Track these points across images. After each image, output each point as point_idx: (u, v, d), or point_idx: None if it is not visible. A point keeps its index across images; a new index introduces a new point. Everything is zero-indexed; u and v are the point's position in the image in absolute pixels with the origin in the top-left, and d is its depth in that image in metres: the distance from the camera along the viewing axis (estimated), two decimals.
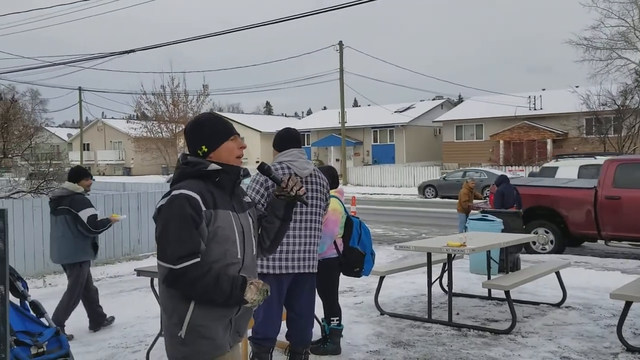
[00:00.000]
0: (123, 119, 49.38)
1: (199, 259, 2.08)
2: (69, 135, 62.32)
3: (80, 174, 5.65)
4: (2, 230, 1.31)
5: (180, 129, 36.76)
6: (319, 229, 3.89)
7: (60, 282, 8.03)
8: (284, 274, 3.73)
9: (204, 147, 2.25)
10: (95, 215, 5.44)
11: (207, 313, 2.14)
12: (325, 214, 4.06)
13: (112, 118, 58.31)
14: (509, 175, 24.31)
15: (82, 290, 5.46)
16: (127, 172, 51.48)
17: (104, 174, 50.97)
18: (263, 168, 2.52)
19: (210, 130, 2.27)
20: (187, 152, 2.31)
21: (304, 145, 44.24)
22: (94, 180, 5.74)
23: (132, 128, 39.42)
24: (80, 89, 47.18)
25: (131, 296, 7.08)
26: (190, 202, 2.09)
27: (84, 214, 5.36)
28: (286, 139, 3.86)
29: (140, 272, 4.72)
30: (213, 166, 2.21)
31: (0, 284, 1.32)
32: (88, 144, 55.38)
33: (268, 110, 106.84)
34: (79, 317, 5.98)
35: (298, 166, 3.76)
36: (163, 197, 2.18)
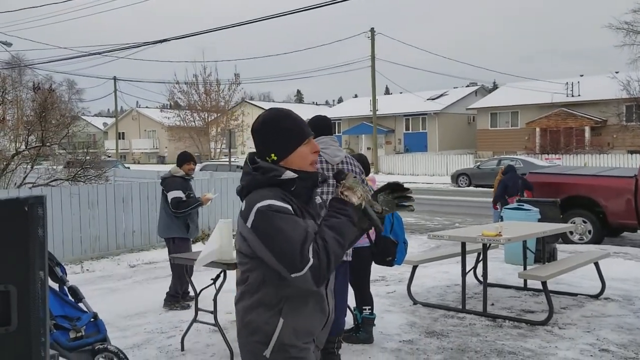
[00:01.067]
0: (157, 108, 50.19)
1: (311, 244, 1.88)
2: (105, 124, 63.59)
3: (183, 159, 6.06)
4: (42, 216, 1.32)
5: (212, 117, 37.19)
6: None
7: (98, 268, 8.23)
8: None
9: (273, 155, 2.03)
10: (178, 198, 5.77)
11: (297, 331, 1.97)
12: None
13: (147, 107, 59.28)
14: (545, 163, 23.91)
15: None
16: (161, 160, 52.28)
17: (138, 162, 51.87)
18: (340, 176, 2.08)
19: (281, 136, 2.03)
20: (255, 153, 2.09)
21: (335, 133, 44.23)
22: (194, 165, 6.21)
23: (165, 117, 40.04)
24: (115, 78, 48.00)
25: (166, 282, 7.16)
26: (281, 210, 1.93)
27: (170, 195, 5.81)
28: (317, 127, 3.87)
29: (175, 259, 4.78)
30: (288, 174, 1.98)
31: (40, 270, 1.33)
32: (123, 133, 56.41)
33: (299, 98, 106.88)
34: (115, 303, 6.11)
35: (329, 154, 3.75)
36: (247, 213, 1.95)
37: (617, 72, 29.71)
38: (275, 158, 2.02)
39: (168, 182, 5.91)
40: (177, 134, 40.02)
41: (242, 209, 1.99)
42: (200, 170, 19.63)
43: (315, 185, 2.06)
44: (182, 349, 4.60)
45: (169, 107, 44.59)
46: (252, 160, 2.05)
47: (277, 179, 1.97)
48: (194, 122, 38.20)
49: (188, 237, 5.95)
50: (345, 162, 3.85)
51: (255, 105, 51.32)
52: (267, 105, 54.33)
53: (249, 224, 1.93)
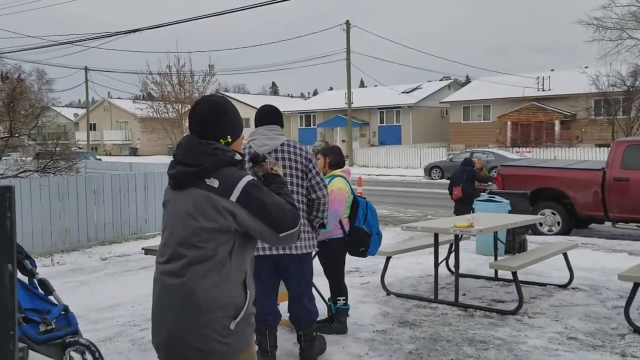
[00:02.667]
0: (129, 99, 49.30)
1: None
2: (76, 115, 62.38)
3: None
4: (9, 208, 1.29)
5: (186, 109, 36.73)
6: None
7: (69, 261, 8.11)
8: (262, 255, 3.70)
9: (229, 137, 2.23)
10: None
11: (252, 299, 2.18)
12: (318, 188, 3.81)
13: (119, 98, 58.27)
14: (516, 156, 24.31)
15: None
16: (134, 152, 51.56)
17: (110, 154, 51.09)
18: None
19: (236, 121, 2.29)
20: (201, 136, 2.19)
21: (311, 125, 44.21)
22: None
23: (138, 108, 39.42)
24: (86, 68, 47.08)
25: (138, 275, 7.12)
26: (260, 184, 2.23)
27: None
28: (256, 119, 3.91)
29: (147, 251, 4.74)
30: (238, 156, 2.20)
31: (8, 262, 1.31)
32: (94, 124, 55.44)
33: (274, 90, 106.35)
34: (87, 296, 6.04)
35: (257, 144, 3.77)
36: (230, 188, 2.09)
37: (586, 67, 30.38)
38: (230, 140, 2.24)
39: None
40: (150, 126, 39.46)
41: (217, 186, 2.08)
42: None
43: (245, 167, 2.32)
44: None
45: (141, 98, 43.88)
46: (208, 143, 2.16)
47: (234, 159, 2.18)
48: (168, 113, 37.67)
49: None
50: (280, 151, 3.75)
51: (230, 97, 50.93)
52: (242, 97, 54.01)
53: (233, 198, 2.07)
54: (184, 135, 2.40)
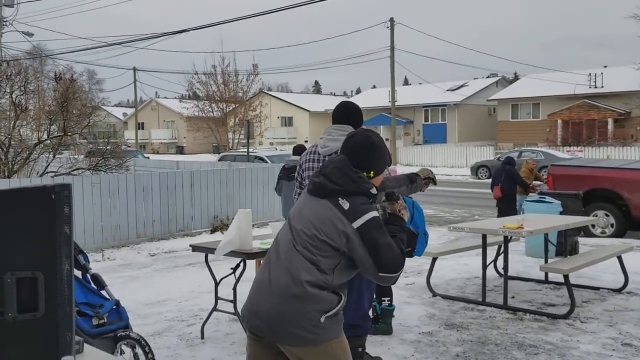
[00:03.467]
0: (176, 98, 50.44)
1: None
2: (125, 114, 64.12)
3: (300, 150, 6.91)
4: (68, 204, 1.32)
5: (231, 108, 37.32)
6: None
7: (119, 257, 8.34)
8: None
9: (372, 172, 2.47)
10: None
11: (343, 303, 2.39)
12: None
13: (165, 97, 59.59)
14: (567, 156, 23.58)
15: None
16: (180, 150, 52.63)
17: (158, 152, 52.28)
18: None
19: (382, 159, 2.53)
20: (351, 163, 2.43)
21: None
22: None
23: (184, 107, 40.25)
24: (134, 69, 48.28)
25: (185, 271, 7.26)
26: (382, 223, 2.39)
27: None
28: (334, 113, 3.82)
29: (195, 248, 4.81)
30: (374, 190, 2.42)
31: (66, 257, 1.33)
32: (142, 123, 56.83)
33: (317, 89, 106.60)
34: (136, 291, 6.19)
35: (320, 144, 3.72)
36: (356, 215, 2.29)
37: None
38: (372, 175, 2.47)
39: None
40: (195, 125, 40.20)
41: (347, 209, 2.31)
42: (219, 160, 19.74)
43: (376, 202, 2.48)
44: (202, 337, 4.63)
45: (187, 97, 44.77)
46: (351, 168, 2.40)
47: (370, 192, 2.39)
48: (212, 112, 38.32)
49: None
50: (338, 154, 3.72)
51: (273, 96, 51.32)
52: (285, 96, 54.35)
53: (356, 225, 2.28)
54: (337, 154, 2.60)
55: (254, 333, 2.42)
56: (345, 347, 2.44)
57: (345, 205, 2.30)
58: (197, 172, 10.50)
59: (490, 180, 11.13)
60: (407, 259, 4.79)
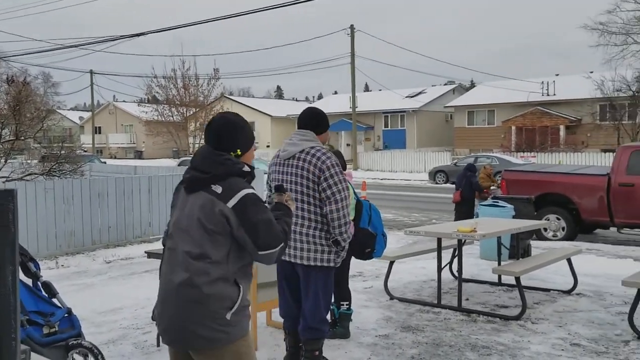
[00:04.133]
0: (134, 102, 49.51)
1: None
2: (81, 118, 62.59)
3: None
4: (12, 210, 1.31)
5: (191, 112, 36.89)
6: (298, 216, 3.62)
7: (73, 264, 8.13)
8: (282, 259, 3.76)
9: (239, 150, 2.49)
10: None
11: (246, 293, 2.42)
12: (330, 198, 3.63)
13: (124, 101, 58.46)
14: (521, 161, 24.25)
15: None
16: (139, 155, 51.69)
17: (115, 157, 51.22)
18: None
19: (246, 135, 2.54)
20: (215, 147, 2.46)
21: None
22: None
23: (143, 111, 39.51)
24: (91, 72, 47.26)
25: (142, 278, 7.14)
26: (259, 199, 2.42)
27: None
28: (297, 123, 3.85)
29: (150, 255, 4.75)
30: (247, 168, 2.46)
31: (10, 264, 1.32)
32: (100, 127, 55.60)
33: (279, 94, 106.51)
34: (91, 298, 6.05)
35: (282, 148, 3.76)
36: (229, 195, 2.33)
37: (591, 72, 30.25)
38: (240, 153, 2.49)
39: None
40: (154, 129, 39.54)
41: (220, 192, 2.33)
42: (179, 165, 19.49)
43: (253, 179, 2.51)
44: (158, 344, 4.57)
45: (146, 101, 44.03)
46: (219, 154, 2.42)
47: (242, 170, 2.43)
48: (172, 116, 37.76)
49: None
50: (297, 158, 3.65)
51: (235, 101, 50.97)
52: (246, 101, 54.07)
53: (230, 204, 2.32)
54: (201, 145, 2.62)
55: (169, 344, 2.45)
56: (250, 344, 2.48)
57: (219, 189, 2.34)
58: (155, 177, 10.35)
59: (450, 185, 11.54)
60: (365, 262, 4.86)
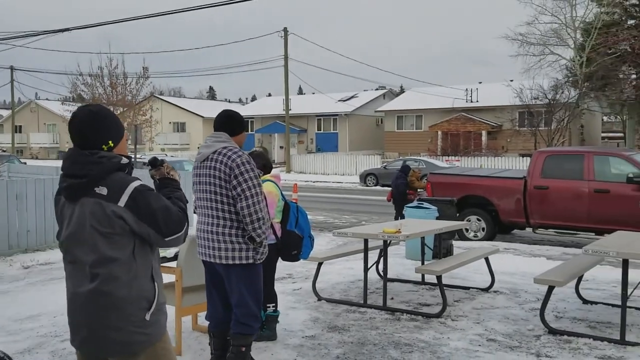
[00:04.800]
0: (58, 100, 47.31)
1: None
2: (0, 116, 59.23)
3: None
4: None
5: (120, 111, 35.76)
6: (214, 216, 3.71)
7: None
8: (203, 261, 3.89)
9: (110, 142, 2.32)
10: None
11: (161, 289, 2.38)
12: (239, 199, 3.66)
13: (47, 99, 55.75)
14: (446, 165, 25.13)
15: None
16: (62, 155, 49.46)
17: (37, 158, 48.77)
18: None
19: (114, 125, 2.37)
20: (82, 147, 2.29)
21: (249, 131, 43.94)
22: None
23: (67, 110, 37.82)
24: (12, 68, 44.80)
25: (62, 284, 6.80)
26: (149, 187, 2.34)
27: None
28: (215, 122, 3.89)
29: None
30: (124, 160, 2.33)
31: None
32: (20, 126, 52.79)
33: (211, 95, 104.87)
34: (6, 306, 5.77)
35: (198, 152, 3.82)
36: (118, 194, 2.23)
37: (511, 81, 31.80)
38: (112, 145, 2.33)
39: None
40: None
41: (106, 194, 2.21)
42: None
43: (133, 169, 2.42)
44: None
45: (71, 100, 42.18)
46: (92, 154, 2.26)
47: (121, 164, 2.30)
48: None
49: None
50: (210, 159, 3.72)
51: (165, 101, 49.80)
52: (178, 101, 52.92)
53: (121, 203, 2.21)
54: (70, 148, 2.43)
55: (84, 354, 2.36)
56: (169, 346, 2.42)
57: (104, 190, 2.22)
58: None
59: (378, 187, 11.92)
60: (294, 263, 4.91)
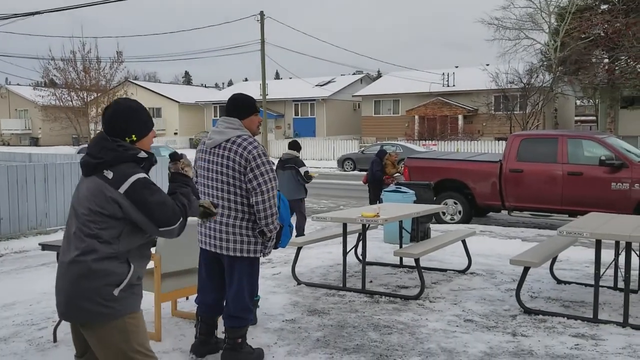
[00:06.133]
0: (29, 85, 46.28)
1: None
2: None
3: (298, 146, 9.02)
4: None
5: (92, 97, 35.14)
6: (225, 207, 3.65)
7: None
8: (202, 248, 3.87)
9: (133, 136, 2.55)
10: (307, 172, 8.73)
11: (138, 273, 2.55)
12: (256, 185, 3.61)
13: (17, 85, 54.41)
14: (422, 149, 25.30)
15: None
16: (34, 142, 48.50)
17: (8, 144, 47.72)
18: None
19: (141, 120, 2.59)
20: (108, 134, 2.52)
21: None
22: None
23: (39, 96, 37.02)
24: None
25: (38, 272, 6.78)
26: (151, 182, 2.52)
27: (303, 169, 8.65)
28: (226, 107, 3.81)
29: (45, 247, 4.52)
30: (142, 153, 2.53)
31: None
32: None
33: (187, 80, 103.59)
34: None
35: (208, 136, 3.74)
36: (120, 181, 2.41)
37: (487, 65, 32.04)
38: (135, 139, 2.55)
39: (298, 160, 8.73)
40: (52, 114, 37.22)
41: (111, 178, 2.42)
42: (78, 152, 18.52)
43: (152, 164, 2.59)
44: (55, 340, 4.38)
45: (43, 85, 41.28)
46: (114, 141, 2.49)
47: (136, 156, 2.50)
48: (72, 101, 35.71)
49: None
50: (222, 147, 3.64)
51: (140, 86, 49.02)
52: (153, 86, 52.16)
53: (121, 190, 2.41)
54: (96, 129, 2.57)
55: (62, 318, 2.59)
56: (139, 323, 2.56)
57: (110, 174, 2.43)
58: (51, 165, 9.79)
59: (356, 172, 12.03)
60: (273, 250, 4.92)
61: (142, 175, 2.46)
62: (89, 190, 2.45)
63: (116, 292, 2.44)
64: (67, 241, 2.53)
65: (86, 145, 20.35)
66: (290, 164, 8.65)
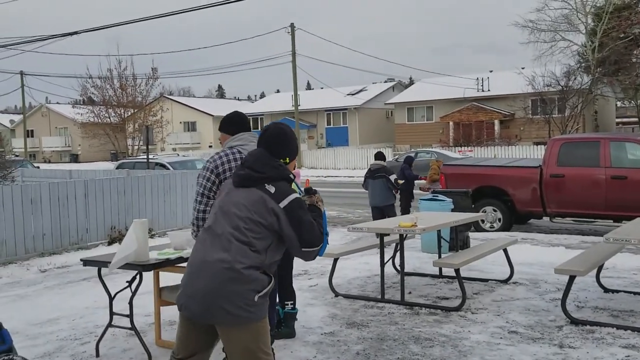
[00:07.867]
0: (69, 103, 47.73)
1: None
2: (12, 121, 59.78)
3: (383, 156, 9.91)
4: None
5: (129, 113, 35.96)
6: None
7: (5, 274, 7.75)
8: None
9: (287, 158, 2.88)
10: (396, 179, 9.49)
11: (275, 283, 2.76)
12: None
13: (57, 103, 56.20)
14: (458, 155, 24.95)
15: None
16: (74, 159, 49.85)
17: (49, 161, 49.19)
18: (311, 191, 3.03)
19: (295, 146, 2.96)
20: (267, 152, 2.81)
21: (258, 128, 44.00)
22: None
23: (78, 113, 38.10)
24: (22, 73, 45.19)
25: (80, 287, 6.89)
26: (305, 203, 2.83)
27: (393, 177, 9.39)
28: (236, 122, 3.83)
29: (86, 262, 4.58)
30: (292, 175, 2.82)
31: None
32: (32, 131, 53.27)
33: (220, 93, 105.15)
34: (25, 310, 5.79)
35: (247, 149, 3.73)
36: (281, 197, 2.67)
37: (523, 68, 31.55)
38: (287, 161, 2.89)
39: (387, 169, 9.46)
40: (91, 131, 38.25)
41: (273, 192, 2.67)
42: (117, 168, 18.92)
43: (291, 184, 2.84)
44: (97, 354, 4.43)
45: (81, 102, 42.48)
46: (272, 160, 2.79)
47: (289, 177, 2.80)
48: (110, 118, 36.63)
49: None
50: None
51: (175, 101, 49.98)
52: (187, 101, 53.09)
53: (282, 204, 2.66)
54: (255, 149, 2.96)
55: (190, 319, 2.69)
56: (266, 326, 2.74)
57: (272, 189, 2.68)
58: (91, 181, 9.99)
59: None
60: (309, 262, 4.86)
61: (298, 195, 2.74)
62: (249, 200, 2.67)
63: (256, 298, 2.60)
64: (213, 239, 2.66)
65: (126, 161, 20.78)
66: (381, 172, 9.32)
